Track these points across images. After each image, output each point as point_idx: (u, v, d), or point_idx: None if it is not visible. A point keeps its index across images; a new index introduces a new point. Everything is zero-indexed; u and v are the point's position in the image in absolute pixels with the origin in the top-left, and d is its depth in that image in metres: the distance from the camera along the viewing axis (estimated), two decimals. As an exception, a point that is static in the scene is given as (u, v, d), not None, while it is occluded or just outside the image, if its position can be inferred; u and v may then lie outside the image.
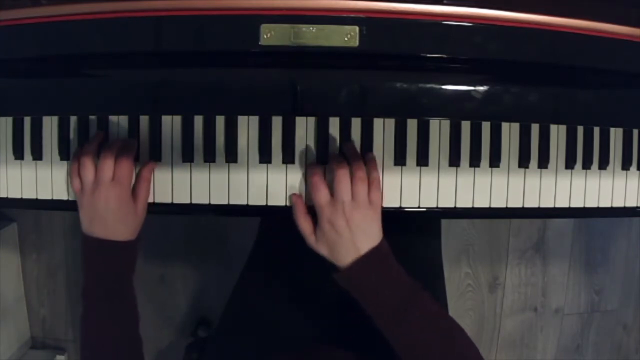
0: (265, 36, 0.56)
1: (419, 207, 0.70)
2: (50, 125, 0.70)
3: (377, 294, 0.60)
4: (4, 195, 0.71)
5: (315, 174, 0.64)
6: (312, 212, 0.64)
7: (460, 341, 0.61)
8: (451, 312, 0.85)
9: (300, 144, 0.68)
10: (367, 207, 0.62)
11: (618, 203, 0.73)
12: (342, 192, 0.61)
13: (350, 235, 0.60)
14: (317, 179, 0.63)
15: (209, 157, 0.68)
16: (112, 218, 0.63)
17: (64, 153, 0.69)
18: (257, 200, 0.68)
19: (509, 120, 0.68)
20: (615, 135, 0.73)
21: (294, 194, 0.67)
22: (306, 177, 0.68)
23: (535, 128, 0.71)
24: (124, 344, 0.65)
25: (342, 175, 0.62)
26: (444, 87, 0.58)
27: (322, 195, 0.62)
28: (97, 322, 0.64)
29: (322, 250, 0.62)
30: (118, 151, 0.65)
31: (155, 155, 0.68)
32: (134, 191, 0.66)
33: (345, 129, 0.69)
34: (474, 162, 0.69)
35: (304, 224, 0.64)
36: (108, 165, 0.63)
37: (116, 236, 0.64)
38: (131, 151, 0.66)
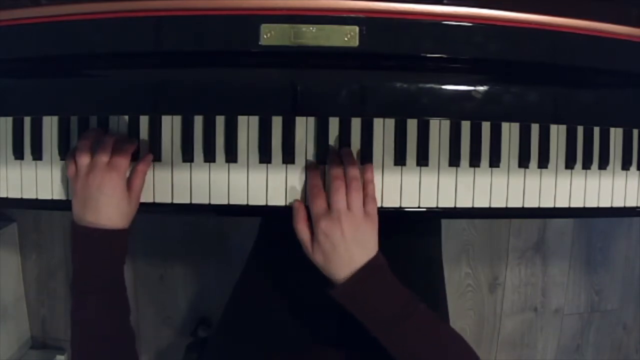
0: (265, 36, 0.56)
1: (419, 207, 0.70)
2: (50, 125, 0.70)
3: (372, 307, 0.60)
4: (4, 195, 0.71)
5: (314, 179, 0.64)
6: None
7: (458, 351, 0.61)
8: (451, 312, 0.85)
9: (300, 144, 0.68)
10: (362, 219, 0.62)
11: (618, 203, 0.73)
12: (338, 202, 0.62)
13: (345, 246, 0.60)
14: (316, 186, 0.64)
15: (209, 157, 0.68)
16: (104, 202, 0.63)
17: (64, 153, 0.69)
18: (257, 200, 0.68)
19: (509, 120, 0.68)
20: (615, 135, 0.73)
21: (297, 201, 0.67)
22: (306, 179, 0.68)
23: (535, 128, 0.71)
24: (116, 338, 0.65)
25: (339, 186, 0.62)
26: (444, 87, 0.58)
27: (319, 204, 0.62)
28: (87, 315, 0.63)
29: (318, 260, 0.62)
30: (117, 140, 0.65)
31: (155, 155, 0.69)
32: (129, 182, 0.66)
33: (345, 129, 0.69)
34: (474, 162, 0.69)
35: (303, 231, 0.64)
36: (105, 150, 0.64)
37: (107, 222, 0.63)
38: (130, 143, 0.66)
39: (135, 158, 0.68)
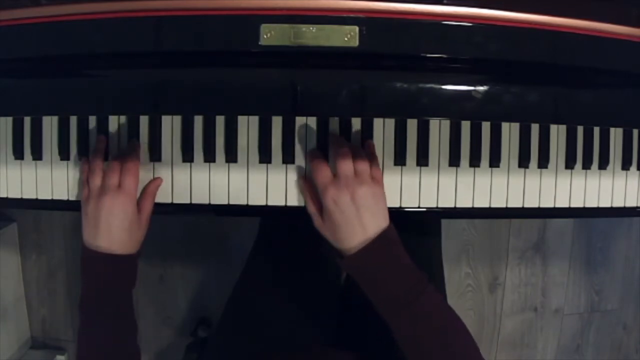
0: (265, 36, 0.56)
1: (419, 207, 0.70)
2: (50, 125, 0.70)
3: (384, 281, 0.59)
4: (4, 195, 0.71)
5: (315, 155, 0.64)
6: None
7: (463, 335, 0.61)
8: (451, 312, 0.85)
9: (300, 144, 0.68)
10: (371, 183, 0.61)
11: (618, 203, 0.73)
12: (345, 168, 0.60)
13: (356, 212, 0.59)
14: (318, 160, 0.63)
15: (209, 157, 0.68)
16: (116, 225, 0.63)
17: (64, 153, 0.69)
18: (257, 200, 0.68)
19: (509, 120, 0.68)
20: (615, 135, 0.73)
21: (300, 178, 0.67)
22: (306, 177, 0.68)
23: (535, 128, 0.71)
24: (123, 356, 0.65)
25: (345, 152, 0.61)
26: (444, 87, 0.58)
27: (324, 174, 0.61)
28: (95, 337, 0.63)
29: (328, 232, 0.61)
30: (124, 160, 0.65)
31: (155, 155, 0.69)
32: (138, 204, 0.66)
33: (345, 129, 0.69)
34: (474, 162, 0.69)
35: (312, 206, 0.63)
36: (114, 173, 0.64)
37: (119, 247, 0.63)
38: (136, 160, 0.66)
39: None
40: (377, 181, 0.62)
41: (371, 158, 0.64)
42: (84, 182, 0.66)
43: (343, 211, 0.59)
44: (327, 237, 0.61)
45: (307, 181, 0.66)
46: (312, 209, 0.63)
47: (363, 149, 0.66)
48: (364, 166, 0.61)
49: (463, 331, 0.61)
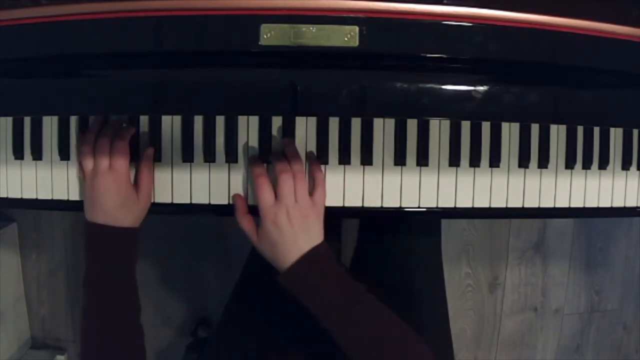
0: (265, 36, 0.56)
1: (419, 207, 0.70)
2: (50, 125, 0.70)
3: (318, 293, 0.61)
4: (4, 195, 0.71)
5: (260, 174, 0.65)
6: (253, 211, 0.65)
7: (407, 344, 0.61)
8: (451, 312, 0.85)
9: (300, 144, 0.68)
10: (309, 207, 0.64)
11: (618, 203, 0.73)
12: (286, 194, 0.63)
13: (293, 234, 0.62)
14: (262, 180, 0.64)
15: (209, 157, 0.68)
16: (112, 204, 0.64)
17: (64, 153, 0.69)
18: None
19: (509, 120, 0.68)
20: (615, 135, 0.73)
21: (235, 194, 0.68)
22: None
23: (535, 128, 0.71)
24: (126, 334, 0.66)
25: (285, 178, 0.63)
26: (444, 87, 0.58)
27: (267, 196, 0.63)
28: (99, 311, 0.64)
29: (265, 250, 0.64)
30: (113, 139, 0.66)
31: (155, 155, 0.69)
32: (136, 180, 0.67)
33: (345, 129, 0.69)
34: (474, 162, 0.69)
35: (246, 223, 0.65)
36: (104, 153, 0.65)
37: (118, 222, 0.64)
38: (126, 137, 0.67)
39: (137, 152, 0.68)
40: (317, 204, 0.65)
41: (317, 177, 0.66)
42: (79, 162, 0.67)
43: (281, 233, 0.62)
44: (265, 255, 0.64)
45: (240, 197, 0.68)
46: (248, 227, 0.65)
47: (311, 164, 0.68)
48: (303, 192, 0.64)
49: (408, 338, 0.61)
